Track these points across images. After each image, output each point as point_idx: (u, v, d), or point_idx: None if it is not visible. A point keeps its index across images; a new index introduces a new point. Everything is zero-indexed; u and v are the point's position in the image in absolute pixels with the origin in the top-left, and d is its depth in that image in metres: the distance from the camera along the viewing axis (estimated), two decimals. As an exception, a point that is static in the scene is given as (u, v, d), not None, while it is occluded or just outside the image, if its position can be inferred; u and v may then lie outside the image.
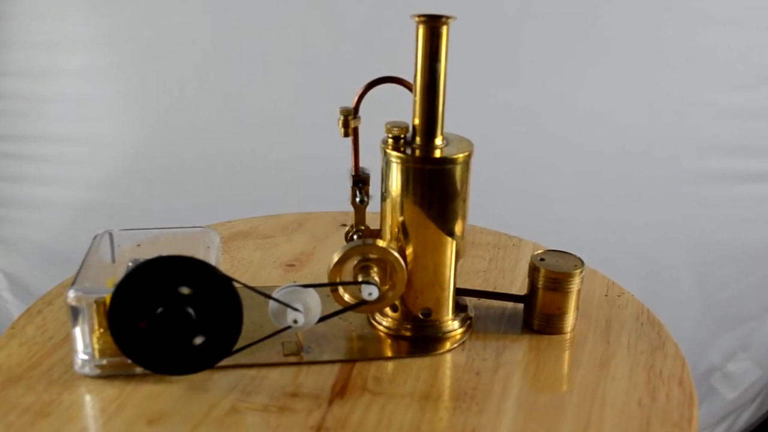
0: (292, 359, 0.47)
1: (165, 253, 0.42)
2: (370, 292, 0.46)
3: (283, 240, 0.67)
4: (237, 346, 0.43)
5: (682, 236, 1.02)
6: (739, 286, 1.04)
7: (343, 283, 0.48)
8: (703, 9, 0.93)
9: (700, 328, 1.05)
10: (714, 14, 0.93)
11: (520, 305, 0.53)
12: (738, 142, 0.98)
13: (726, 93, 0.96)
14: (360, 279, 0.47)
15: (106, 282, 0.49)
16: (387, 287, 0.48)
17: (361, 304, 0.47)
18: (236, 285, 0.42)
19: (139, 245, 0.51)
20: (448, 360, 0.48)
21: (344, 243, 0.49)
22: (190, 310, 0.41)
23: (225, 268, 0.61)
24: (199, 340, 0.42)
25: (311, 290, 0.45)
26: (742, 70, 0.96)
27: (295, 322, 0.44)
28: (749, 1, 0.93)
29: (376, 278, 0.47)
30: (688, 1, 0.94)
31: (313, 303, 0.45)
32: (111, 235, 0.52)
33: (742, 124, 0.97)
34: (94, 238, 0.51)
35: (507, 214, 0.83)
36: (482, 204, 0.76)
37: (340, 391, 0.44)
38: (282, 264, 0.62)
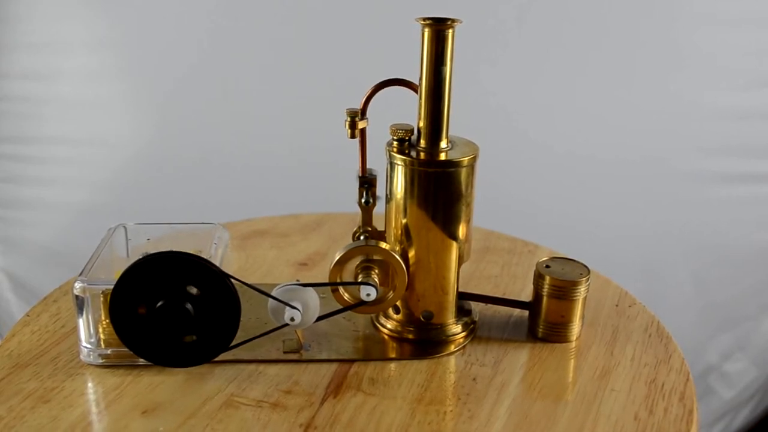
0: (292, 356, 0.48)
1: (174, 248, 0.43)
2: (368, 293, 0.46)
3: (299, 239, 0.68)
4: (237, 341, 0.44)
5: (680, 237, 1.00)
6: (736, 287, 1.02)
7: (341, 284, 0.48)
8: (703, 9, 0.91)
9: (698, 328, 1.03)
10: (714, 14, 0.91)
11: (527, 312, 0.53)
12: (736, 143, 0.96)
13: (725, 94, 0.94)
14: (360, 279, 0.48)
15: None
16: (388, 289, 0.48)
17: (359, 304, 0.48)
18: (237, 282, 0.43)
19: (148, 239, 0.53)
20: (446, 364, 0.47)
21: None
22: (189, 306, 0.42)
23: (238, 265, 0.62)
24: (196, 335, 0.43)
25: (310, 289, 0.46)
26: (741, 71, 0.93)
27: (292, 320, 0.45)
28: (750, 2, 0.90)
29: (377, 279, 0.48)
30: (688, 1, 0.92)
31: (312, 302, 0.46)
32: (125, 228, 0.54)
33: (741, 125, 0.95)
34: (108, 230, 0.53)
35: (521, 220, 0.82)
36: (497, 209, 0.75)
37: (334, 391, 0.44)
38: (295, 263, 0.63)
